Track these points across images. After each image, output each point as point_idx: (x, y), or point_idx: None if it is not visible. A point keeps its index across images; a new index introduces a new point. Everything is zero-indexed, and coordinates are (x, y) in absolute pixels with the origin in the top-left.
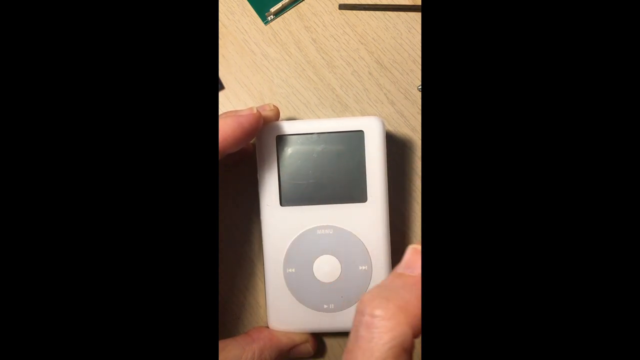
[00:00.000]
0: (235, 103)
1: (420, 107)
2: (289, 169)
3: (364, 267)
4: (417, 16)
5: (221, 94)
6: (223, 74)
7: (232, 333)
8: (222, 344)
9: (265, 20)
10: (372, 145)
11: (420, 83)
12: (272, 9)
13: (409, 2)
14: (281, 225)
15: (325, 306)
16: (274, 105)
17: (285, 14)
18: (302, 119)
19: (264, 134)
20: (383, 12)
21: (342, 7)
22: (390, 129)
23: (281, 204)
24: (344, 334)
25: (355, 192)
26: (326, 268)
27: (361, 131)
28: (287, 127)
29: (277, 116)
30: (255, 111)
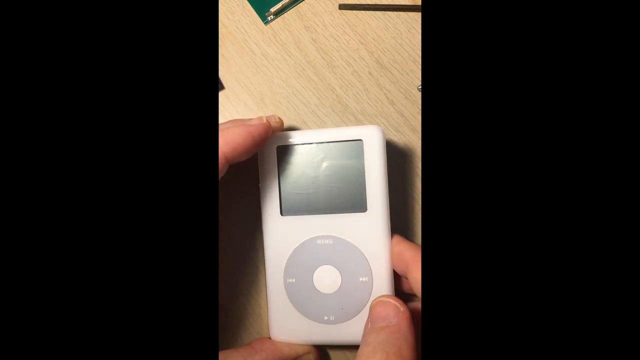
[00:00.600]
0: (235, 103)
1: (420, 107)
2: (289, 179)
3: (364, 279)
4: (417, 16)
5: (221, 94)
6: (223, 74)
7: (234, 338)
8: (223, 354)
9: (265, 20)
10: (371, 154)
11: (420, 83)
12: (272, 9)
13: (409, 2)
14: (281, 235)
15: (325, 317)
16: (279, 118)
17: (285, 14)
18: (303, 129)
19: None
20: (383, 12)
21: (342, 7)
22: (390, 129)
23: (281, 214)
24: (347, 346)
25: (355, 202)
26: (326, 279)
27: (360, 140)
28: (288, 138)
29: (281, 128)
30: (265, 121)
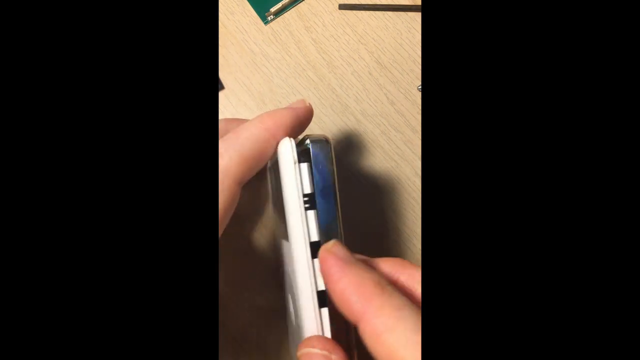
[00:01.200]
0: (235, 103)
1: (420, 107)
2: (272, 199)
3: (293, 318)
4: (417, 16)
5: (221, 94)
6: (223, 74)
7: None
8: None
9: (265, 20)
10: (286, 175)
11: (420, 83)
12: (272, 9)
13: (409, 2)
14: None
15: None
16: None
17: (285, 14)
18: None
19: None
20: (383, 12)
21: (342, 7)
22: (390, 129)
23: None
24: None
25: (284, 229)
26: (290, 309)
27: (276, 158)
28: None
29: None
30: (308, 104)
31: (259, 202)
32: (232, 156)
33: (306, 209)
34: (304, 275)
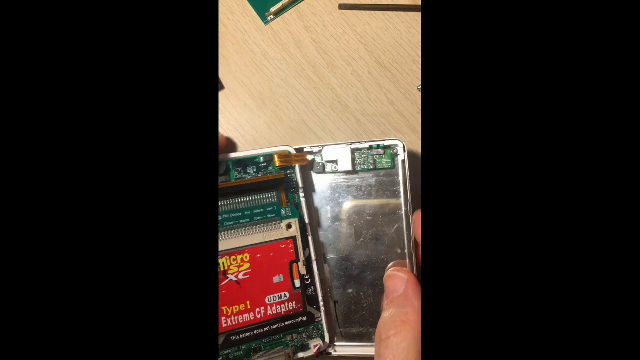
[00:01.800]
0: (235, 103)
1: (420, 107)
2: None
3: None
4: (417, 16)
5: (221, 94)
6: (223, 74)
7: None
8: None
9: (265, 20)
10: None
11: (420, 83)
12: (272, 9)
13: (409, 2)
14: None
15: None
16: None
17: (285, 14)
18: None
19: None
20: (383, 12)
21: (342, 7)
22: (390, 129)
23: None
24: None
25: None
26: None
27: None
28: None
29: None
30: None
31: None
32: None
33: None
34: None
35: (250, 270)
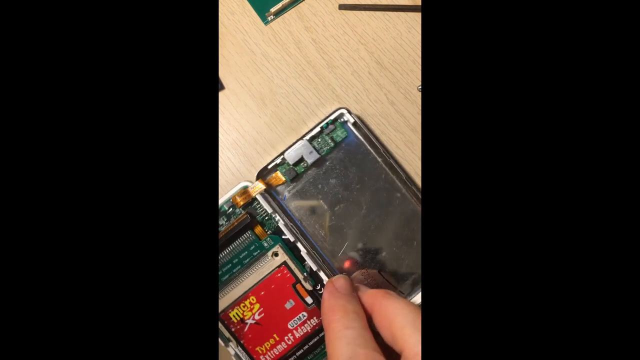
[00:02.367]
0: (235, 103)
1: (420, 107)
2: None
3: None
4: (417, 16)
5: (221, 94)
6: (223, 74)
7: None
8: None
9: (265, 21)
10: None
11: (420, 83)
12: (272, 9)
13: (409, 2)
14: None
15: None
16: None
17: (285, 14)
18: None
19: None
20: (383, 12)
21: (342, 7)
22: (390, 129)
23: None
24: None
25: None
26: None
27: None
28: None
29: None
30: None
31: None
32: None
33: None
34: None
35: (262, 309)
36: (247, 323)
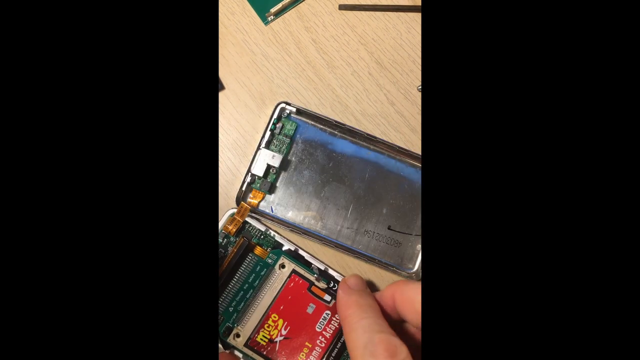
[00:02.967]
0: (235, 103)
1: (420, 107)
2: None
3: None
4: (417, 16)
5: (221, 94)
6: (223, 74)
7: None
8: None
9: (266, 21)
10: None
11: (420, 83)
12: (272, 10)
13: (409, 2)
14: None
15: None
16: None
17: (285, 15)
18: None
19: None
20: (383, 12)
21: (342, 7)
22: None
23: None
24: None
25: None
26: None
27: None
28: None
29: None
30: None
31: None
32: None
33: None
34: None
35: (286, 322)
36: (276, 342)
